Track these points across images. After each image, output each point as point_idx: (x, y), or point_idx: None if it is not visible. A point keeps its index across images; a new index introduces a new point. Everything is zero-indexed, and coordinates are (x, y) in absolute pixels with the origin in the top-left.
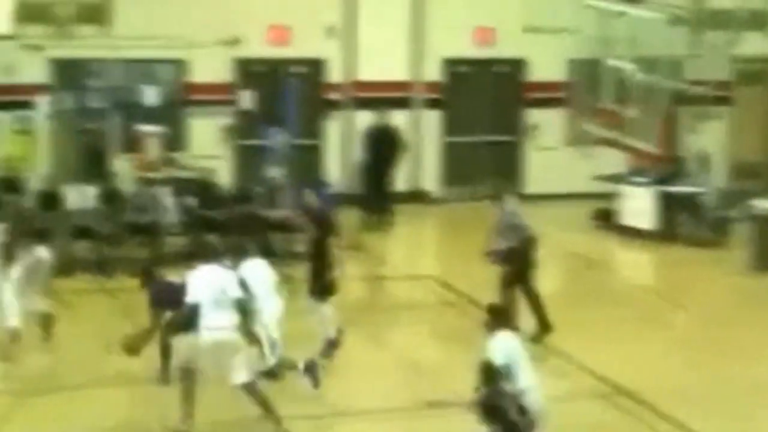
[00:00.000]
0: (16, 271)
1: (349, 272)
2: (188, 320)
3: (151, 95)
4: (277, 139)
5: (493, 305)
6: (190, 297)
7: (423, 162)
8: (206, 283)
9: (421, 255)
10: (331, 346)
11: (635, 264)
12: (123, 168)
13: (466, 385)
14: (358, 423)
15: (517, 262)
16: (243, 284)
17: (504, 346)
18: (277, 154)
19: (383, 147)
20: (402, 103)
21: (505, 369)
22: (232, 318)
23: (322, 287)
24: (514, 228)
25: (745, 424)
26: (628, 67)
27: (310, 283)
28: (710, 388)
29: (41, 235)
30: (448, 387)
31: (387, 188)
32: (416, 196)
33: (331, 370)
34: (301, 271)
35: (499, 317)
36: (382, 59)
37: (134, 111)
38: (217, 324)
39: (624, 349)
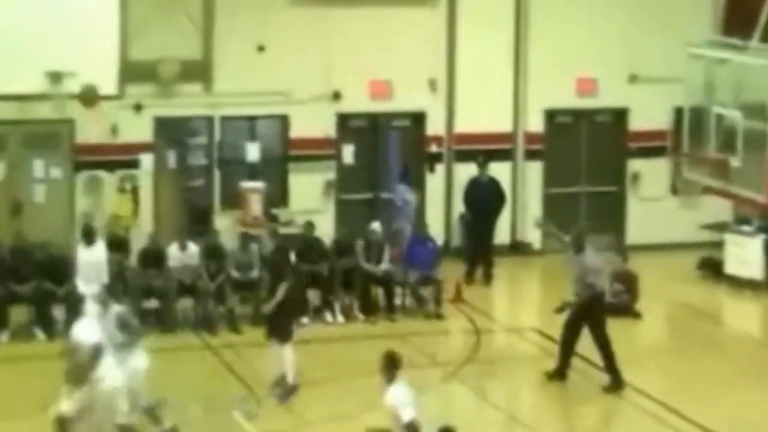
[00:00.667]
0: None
1: (451, 325)
2: None
3: (252, 151)
4: (404, 194)
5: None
6: None
7: (524, 213)
8: None
9: (522, 307)
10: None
11: (743, 314)
12: (225, 224)
13: None
14: None
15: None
16: None
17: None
18: (404, 209)
19: (484, 199)
20: (503, 155)
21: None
22: None
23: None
24: (587, 281)
25: None
26: (733, 114)
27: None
28: None
29: (145, 293)
30: None
31: (488, 240)
32: (517, 248)
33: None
34: None
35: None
36: (483, 111)
37: (236, 167)
38: None
39: (733, 402)
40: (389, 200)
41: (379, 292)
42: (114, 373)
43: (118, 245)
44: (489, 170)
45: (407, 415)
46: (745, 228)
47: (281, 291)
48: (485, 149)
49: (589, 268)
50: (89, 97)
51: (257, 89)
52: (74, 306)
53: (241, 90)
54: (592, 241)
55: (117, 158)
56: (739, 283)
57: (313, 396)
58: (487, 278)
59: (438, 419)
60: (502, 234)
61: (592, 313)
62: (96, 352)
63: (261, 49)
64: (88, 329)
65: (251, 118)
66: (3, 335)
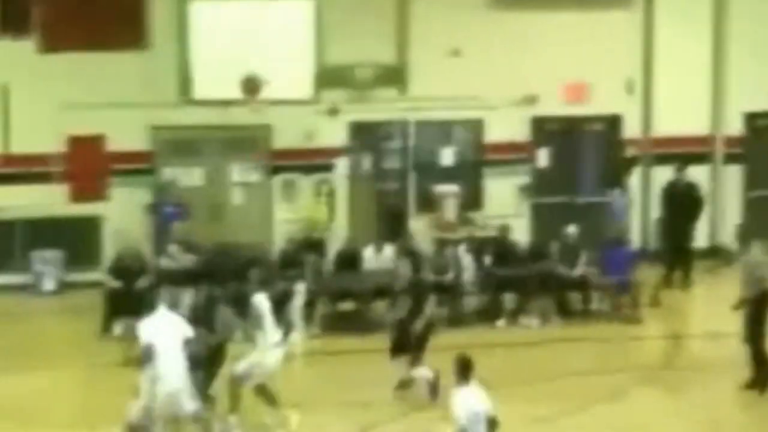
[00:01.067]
0: None
1: (648, 329)
2: None
3: (447, 155)
4: (619, 199)
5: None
6: None
7: (723, 217)
8: None
9: (721, 312)
10: None
11: None
12: (420, 228)
13: None
14: None
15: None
16: None
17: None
18: (617, 214)
19: (683, 203)
20: (701, 158)
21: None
22: None
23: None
24: (755, 278)
25: None
26: None
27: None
28: None
29: (341, 295)
30: None
31: (687, 244)
32: (716, 253)
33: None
34: None
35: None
36: (681, 114)
37: (431, 171)
38: None
39: None
40: (589, 204)
41: (575, 296)
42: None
43: (314, 248)
44: (687, 174)
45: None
46: None
47: (429, 307)
48: (683, 153)
49: (758, 263)
50: (252, 86)
51: (452, 93)
52: (274, 307)
53: (436, 94)
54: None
55: (313, 162)
56: None
57: (509, 397)
58: (686, 282)
59: (634, 426)
60: (700, 238)
61: (761, 307)
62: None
63: (456, 53)
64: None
65: (446, 123)
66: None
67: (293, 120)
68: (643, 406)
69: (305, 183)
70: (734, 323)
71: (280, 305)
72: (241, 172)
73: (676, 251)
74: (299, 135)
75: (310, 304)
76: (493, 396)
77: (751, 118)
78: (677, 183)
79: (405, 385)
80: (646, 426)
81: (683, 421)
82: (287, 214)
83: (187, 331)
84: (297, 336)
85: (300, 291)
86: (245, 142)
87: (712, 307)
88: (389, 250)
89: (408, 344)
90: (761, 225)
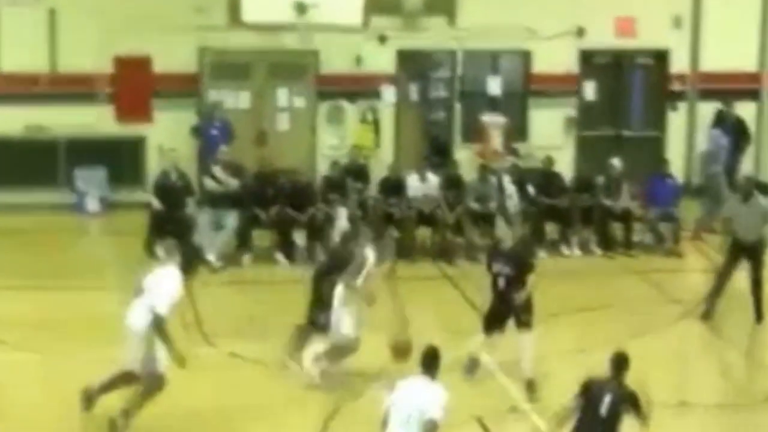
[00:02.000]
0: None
1: (689, 263)
2: None
3: (494, 85)
4: (718, 140)
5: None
6: None
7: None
8: None
9: None
10: None
11: None
12: (465, 157)
13: None
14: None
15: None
16: None
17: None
18: (718, 154)
19: (730, 138)
20: (749, 94)
21: None
22: None
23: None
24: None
25: None
26: None
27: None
28: None
29: (385, 222)
30: None
31: (732, 179)
32: (762, 188)
33: (669, 360)
34: None
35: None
36: (730, 49)
37: (477, 101)
38: None
39: None
40: (635, 138)
41: (617, 228)
42: None
43: (359, 174)
44: (734, 108)
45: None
46: None
47: (530, 282)
48: (729, 88)
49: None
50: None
51: (501, 23)
52: (315, 232)
53: (485, 24)
54: None
55: (359, 89)
56: None
57: (555, 325)
58: None
59: (674, 357)
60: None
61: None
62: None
63: None
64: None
65: (494, 52)
66: (246, 258)
67: (341, 46)
68: (684, 338)
69: (351, 109)
70: None
71: (321, 229)
72: (287, 97)
73: None
74: (347, 61)
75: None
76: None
77: None
78: (725, 117)
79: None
80: (685, 357)
81: (721, 352)
82: (332, 140)
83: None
84: None
85: (342, 215)
86: (292, 67)
87: None
88: (434, 177)
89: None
90: None
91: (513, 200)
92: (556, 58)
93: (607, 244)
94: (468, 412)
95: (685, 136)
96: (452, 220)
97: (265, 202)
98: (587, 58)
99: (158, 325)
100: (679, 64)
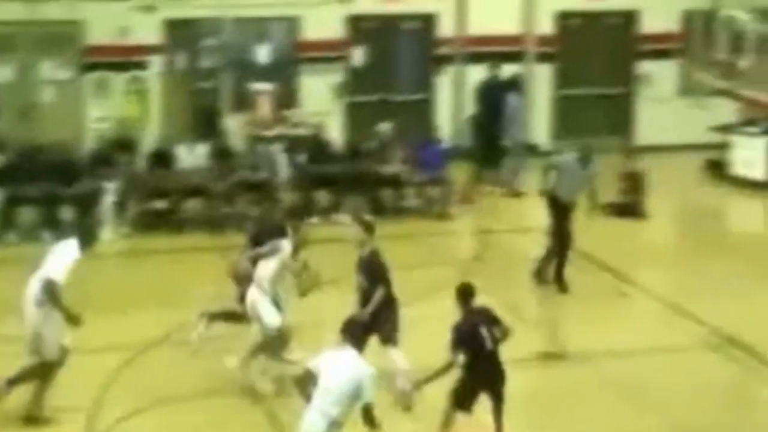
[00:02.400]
0: None
1: (459, 225)
2: None
3: (263, 53)
4: (514, 103)
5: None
6: None
7: (534, 115)
8: None
9: (530, 207)
10: None
11: (748, 214)
12: (235, 126)
13: (577, 336)
14: None
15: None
16: None
17: None
18: (514, 116)
19: (496, 101)
20: (513, 57)
21: None
22: None
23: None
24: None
25: None
26: (742, 17)
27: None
28: None
29: (154, 194)
30: (561, 338)
31: (498, 142)
32: (527, 150)
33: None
34: None
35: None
36: (494, 13)
37: (247, 69)
38: None
39: (737, 300)
40: (403, 102)
41: (388, 193)
42: None
43: (126, 146)
44: (499, 72)
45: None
46: (752, 129)
47: (377, 298)
48: (496, 51)
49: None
50: None
51: None
52: (83, 208)
53: None
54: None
55: (126, 59)
56: (744, 184)
57: (330, 292)
58: (497, 178)
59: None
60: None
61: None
62: None
63: None
64: None
65: (262, 20)
66: (11, 236)
67: (107, 16)
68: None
69: (118, 81)
70: (542, 219)
71: (89, 204)
72: (52, 69)
73: (487, 148)
74: (113, 31)
75: (121, 203)
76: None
77: (562, 17)
78: (492, 80)
79: None
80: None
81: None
82: (99, 113)
83: None
84: (108, 234)
85: (110, 189)
86: (57, 38)
87: (520, 203)
88: (202, 148)
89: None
90: (571, 123)
91: (283, 168)
92: (324, 25)
93: (378, 209)
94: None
95: (453, 100)
96: (223, 191)
97: (30, 177)
98: (355, 23)
99: None
100: (445, 28)
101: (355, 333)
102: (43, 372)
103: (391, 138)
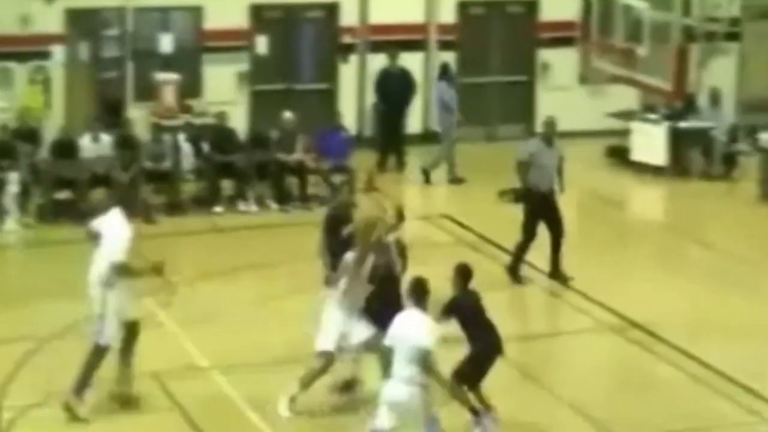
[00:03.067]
0: None
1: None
2: None
3: (166, 43)
4: (445, 92)
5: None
6: None
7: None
8: None
9: (433, 194)
10: None
11: (648, 199)
12: (139, 116)
13: None
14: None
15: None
16: None
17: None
18: (448, 106)
19: (396, 89)
20: (416, 46)
21: None
22: None
23: None
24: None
25: (751, 354)
26: (640, 4)
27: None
28: (722, 320)
29: (58, 184)
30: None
31: (400, 129)
32: (430, 138)
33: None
34: None
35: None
36: (397, 2)
37: (150, 59)
38: None
39: (638, 284)
40: (307, 91)
41: (292, 181)
42: None
43: (29, 137)
44: (400, 61)
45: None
46: (651, 116)
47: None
48: (398, 40)
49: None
50: None
51: None
52: None
53: None
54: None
55: (28, 49)
56: (645, 170)
57: (232, 281)
58: (400, 166)
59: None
60: (414, 123)
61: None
62: None
63: None
64: None
65: (164, 9)
66: None
67: (7, 5)
68: None
69: (20, 71)
70: (445, 205)
71: None
72: None
73: (389, 136)
74: (14, 21)
75: (24, 194)
76: (217, 281)
77: (464, 6)
78: (390, 70)
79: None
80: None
81: None
82: (1, 103)
83: None
84: (11, 225)
85: (13, 180)
86: None
87: (424, 190)
88: (106, 138)
89: None
90: (473, 111)
91: (188, 158)
92: (227, 14)
93: (283, 197)
94: (145, 369)
95: (356, 88)
96: (127, 180)
97: None
98: (258, 12)
99: None
100: (348, 17)
101: (420, 294)
102: (96, 357)
103: (295, 126)
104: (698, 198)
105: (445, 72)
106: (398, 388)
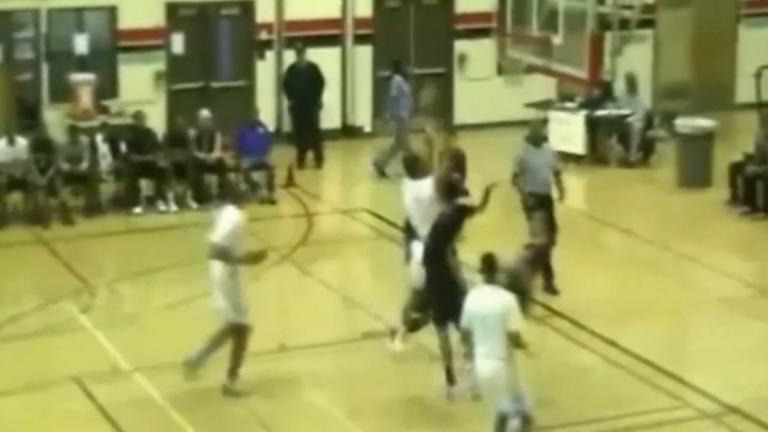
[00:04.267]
0: None
1: (283, 209)
2: None
3: (81, 44)
4: (401, 86)
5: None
6: None
7: (355, 97)
8: None
9: (353, 189)
10: None
11: (568, 189)
12: (55, 117)
13: (398, 314)
14: (296, 358)
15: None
16: None
17: None
18: (401, 100)
19: (304, 84)
20: (333, 40)
21: None
22: None
23: None
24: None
25: (672, 339)
26: None
27: None
28: (643, 306)
29: None
30: (382, 317)
31: (315, 125)
32: (348, 131)
33: (268, 306)
34: None
35: None
36: None
37: (65, 60)
38: None
39: (559, 272)
40: (225, 88)
41: (212, 180)
42: None
43: None
44: (314, 56)
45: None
46: (568, 105)
47: None
48: (315, 35)
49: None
50: None
51: None
52: None
53: None
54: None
55: None
56: (563, 159)
57: (153, 282)
58: (318, 162)
59: (274, 302)
60: (333, 118)
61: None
62: None
63: None
64: None
65: (79, 10)
66: None
67: None
68: (282, 283)
69: None
70: (365, 200)
71: None
72: None
73: (305, 132)
74: None
75: None
76: (137, 282)
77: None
78: (298, 65)
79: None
80: (284, 302)
81: (321, 295)
82: None
83: None
84: None
85: None
86: None
87: (344, 185)
88: (23, 140)
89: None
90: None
91: (106, 159)
92: (142, 13)
93: (203, 196)
94: (66, 373)
95: (274, 85)
96: (44, 183)
97: None
98: (173, 11)
99: None
100: (264, 13)
101: (492, 269)
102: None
103: (213, 125)
104: (617, 185)
105: (398, 66)
106: (484, 364)
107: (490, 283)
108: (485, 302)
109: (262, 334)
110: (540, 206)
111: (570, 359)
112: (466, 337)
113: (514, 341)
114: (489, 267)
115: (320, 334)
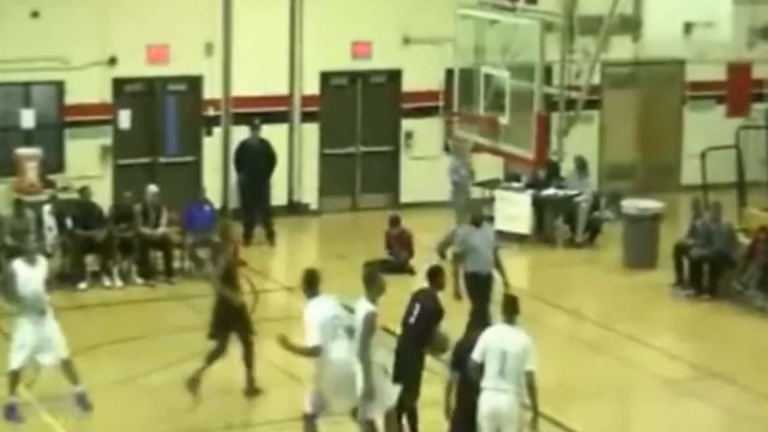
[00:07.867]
0: None
1: None
2: None
3: (27, 118)
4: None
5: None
6: None
7: (302, 174)
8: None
9: (300, 266)
10: None
11: (512, 268)
12: (1, 191)
13: None
14: None
15: None
16: None
17: None
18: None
19: (255, 161)
20: (280, 117)
21: None
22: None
23: None
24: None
25: (617, 420)
26: (501, 73)
27: None
28: (584, 385)
29: None
30: None
31: (265, 201)
32: (295, 209)
33: (212, 386)
34: None
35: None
36: (260, 74)
37: (11, 134)
38: None
39: None
40: (171, 164)
41: (157, 256)
42: None
43: None
44: (262, 132)
45: (312, 339)
46: (514, 184)
47: None
48: (262, 112)
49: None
50: None
51: (31, 55)
52: None
53: (15, 56)
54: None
55: None
56: (509, 238)
57: (96, 359)
58: (270, 239)
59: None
60: (279, 195)
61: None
62: None
63: (35, 14)
64: None
65: (26, 84)
66: None
67: None
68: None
69: None
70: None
71: None
72: None
73: (253, 208)
74: None
75: None
76: (81, 359)
77: (326, 77)
78: (250, 141)
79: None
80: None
81: (266, 375)
82: None
83: None
84: None
85: None
86: None
87: (291, 262)
88: None
89: None
90: (337, 181)
91: (53, 233)
92: (89, 88)
93: (148, 272)
94: None
95: (221, 161)
96: None
97: None
98: (120, 86)
99: None
100: (212, 90)
101: (513, 311)
102: None
103: (159, 200)
104: (562, 266)
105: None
106: (498, 397)
107: (509, 323)
108: (508, 340)
109: (209, 413)
110: (482, 287)
111: None
112: (475, 371)
113: (530, 380)
114: (511, 308)
115: (265, 412)
